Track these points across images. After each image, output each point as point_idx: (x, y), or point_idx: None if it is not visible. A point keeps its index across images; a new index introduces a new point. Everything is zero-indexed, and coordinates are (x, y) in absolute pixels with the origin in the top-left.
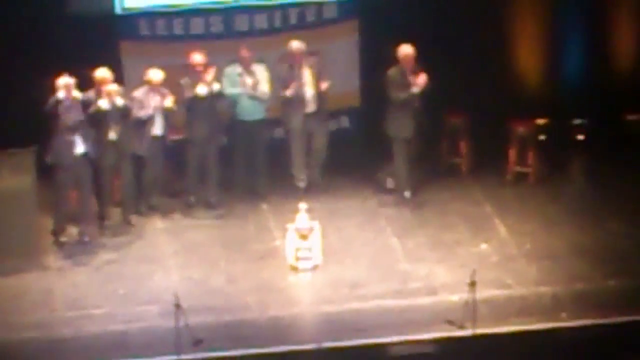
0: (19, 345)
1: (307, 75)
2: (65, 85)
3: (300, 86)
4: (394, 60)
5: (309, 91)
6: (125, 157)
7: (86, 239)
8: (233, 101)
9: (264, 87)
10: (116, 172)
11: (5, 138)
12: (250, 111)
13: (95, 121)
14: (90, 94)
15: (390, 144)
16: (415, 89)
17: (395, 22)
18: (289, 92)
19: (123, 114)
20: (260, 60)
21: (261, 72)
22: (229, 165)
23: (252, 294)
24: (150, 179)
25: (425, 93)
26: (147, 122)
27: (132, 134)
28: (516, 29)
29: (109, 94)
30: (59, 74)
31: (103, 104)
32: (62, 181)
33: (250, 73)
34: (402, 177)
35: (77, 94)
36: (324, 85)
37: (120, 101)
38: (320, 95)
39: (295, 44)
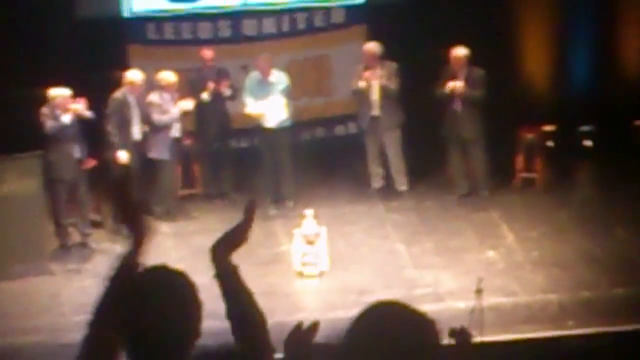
0: (26, 350)
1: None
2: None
3: (370, 82)
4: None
5: (374, 94)
6: (146, 159)
7: (93, 244)
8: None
9: (283, 96)
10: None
11: (12, 143)
12: (274, 118)
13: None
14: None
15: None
16: (447, 89)
17: (402, 28)
18: (359, 84)
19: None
20: (280, 67)
21: (282, 79)
22: (254, 172)
23: (257, 299)
24: (169, 183)
25: (470, 97)
26: (168, 125)
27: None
28: (524, 36)
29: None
30: (64, 78)
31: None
32: (60, 188)
33: (269, 82)
34: (456, 178)
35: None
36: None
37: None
38: (385, 103)
39: (370, 45)
